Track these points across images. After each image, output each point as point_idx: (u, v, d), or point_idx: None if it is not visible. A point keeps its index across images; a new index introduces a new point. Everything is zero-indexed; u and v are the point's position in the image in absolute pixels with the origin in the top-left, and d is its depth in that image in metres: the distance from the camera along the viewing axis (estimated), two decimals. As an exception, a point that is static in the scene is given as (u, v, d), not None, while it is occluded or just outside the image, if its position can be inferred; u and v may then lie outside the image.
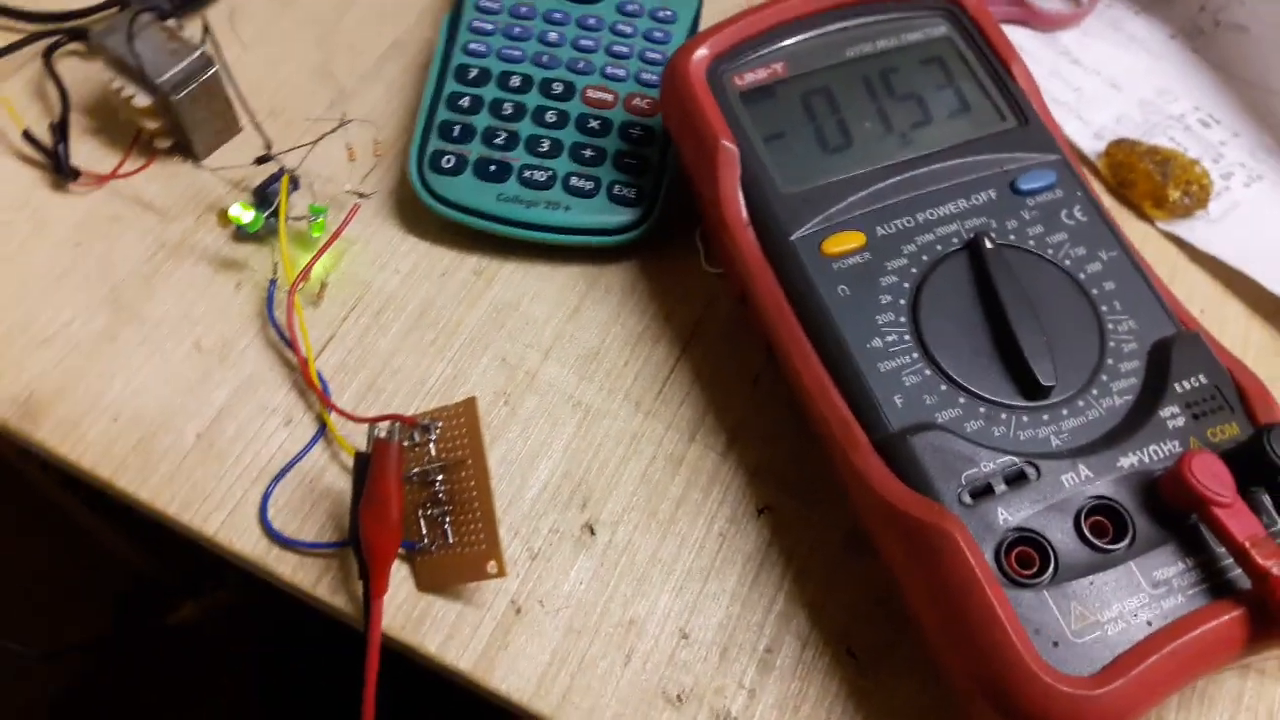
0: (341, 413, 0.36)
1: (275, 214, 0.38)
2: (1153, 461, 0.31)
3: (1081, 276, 0.34)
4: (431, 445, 0.35)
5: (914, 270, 0.34)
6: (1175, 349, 0.32)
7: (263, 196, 0.39)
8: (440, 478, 0.34)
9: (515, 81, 0.41)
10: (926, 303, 0.33)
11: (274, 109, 0.43)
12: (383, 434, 0.34)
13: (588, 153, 0.40)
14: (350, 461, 0.35)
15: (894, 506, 0.30)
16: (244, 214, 0.38)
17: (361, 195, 0.40)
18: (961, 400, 0.32)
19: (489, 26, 0.42)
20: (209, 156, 0.42)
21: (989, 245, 0.33)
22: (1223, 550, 0.29)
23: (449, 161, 0.39)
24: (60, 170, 0.40)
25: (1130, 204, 0.43)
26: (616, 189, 0.40)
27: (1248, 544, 0.28)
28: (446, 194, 0.39)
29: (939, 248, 0.34)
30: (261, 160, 0.39)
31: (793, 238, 0.34)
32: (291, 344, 0.37)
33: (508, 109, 0.41)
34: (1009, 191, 0.35)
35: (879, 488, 0.30)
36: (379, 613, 0.32)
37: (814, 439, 0.34)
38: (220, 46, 0.39)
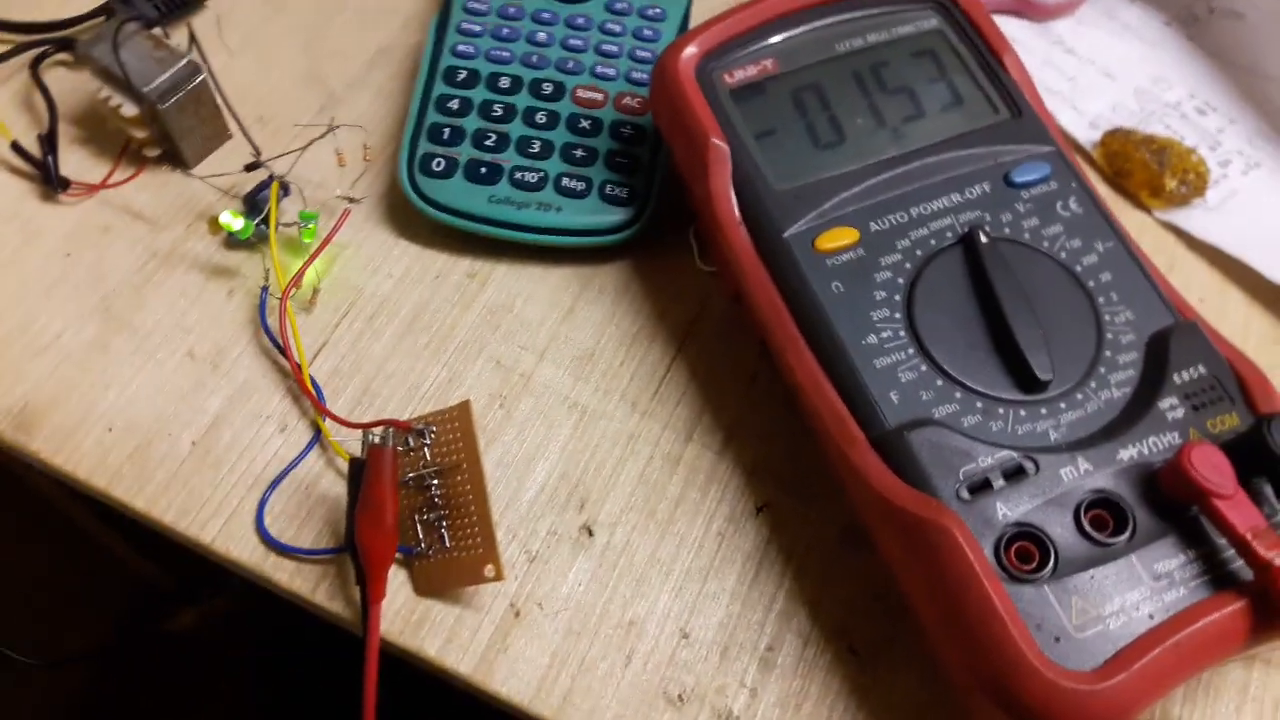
0: (336, 418, 0.36)
1: (266, 221, 0.38)
2: (1152, 454, 0.30)
3: (1078, 268, 0.34)
4: (426, 450, 0.35)
5: (908, 266, 0.33)
6: (1173, 340, 0.32)
7: (253, 203, 0.39)
8: (436, 482, 0.34)
9: (504, 83, 0.41)
10: (921, 298, 0.33)
11: (263, 116, 0.43)
12: (377, 439, 0.34)
13: (579, 153, 0.40)
14: (346, 467, 0.35)
15: (891, 503, 0.30)
16: (234, 221, 0.38)
17: (352, 200, 0.39)
18: (958, 395, 0.31)
19: (477, 28, 0.42)
20: (199, 164, 0.42)
21: (984, 239, 0.33)
22: (1224, 542, 0.29)
23: (439, 164, 0.39)
24: (50, 181, 0.40)
25: (1127, 194, 0.43)
26: (608, 189, 0.39)
27: (1249, 535, 0.28)
28: (437, 197, 0.39)
29: (933, 242, 0.34)
30: (251, 167, 0.39)
31: (786, 235, 0.34)
32: (284, 350, 0.37)
33: (497, 110, 0.40)
34: (1003, 184, 0.35)
35: (876, 484, 0.30)
36: (377, 618, 0.32)
37: (811, 436, 0.34)
38: (207, 54, 0.39)
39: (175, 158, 0.41)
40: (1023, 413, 0.31)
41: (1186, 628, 0.27)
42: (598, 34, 0.42)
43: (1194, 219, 0.42)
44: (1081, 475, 0.30)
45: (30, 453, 0.36)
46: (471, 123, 0.40)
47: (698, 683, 0.33)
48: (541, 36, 0.42)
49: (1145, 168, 0.42)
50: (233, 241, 0.39)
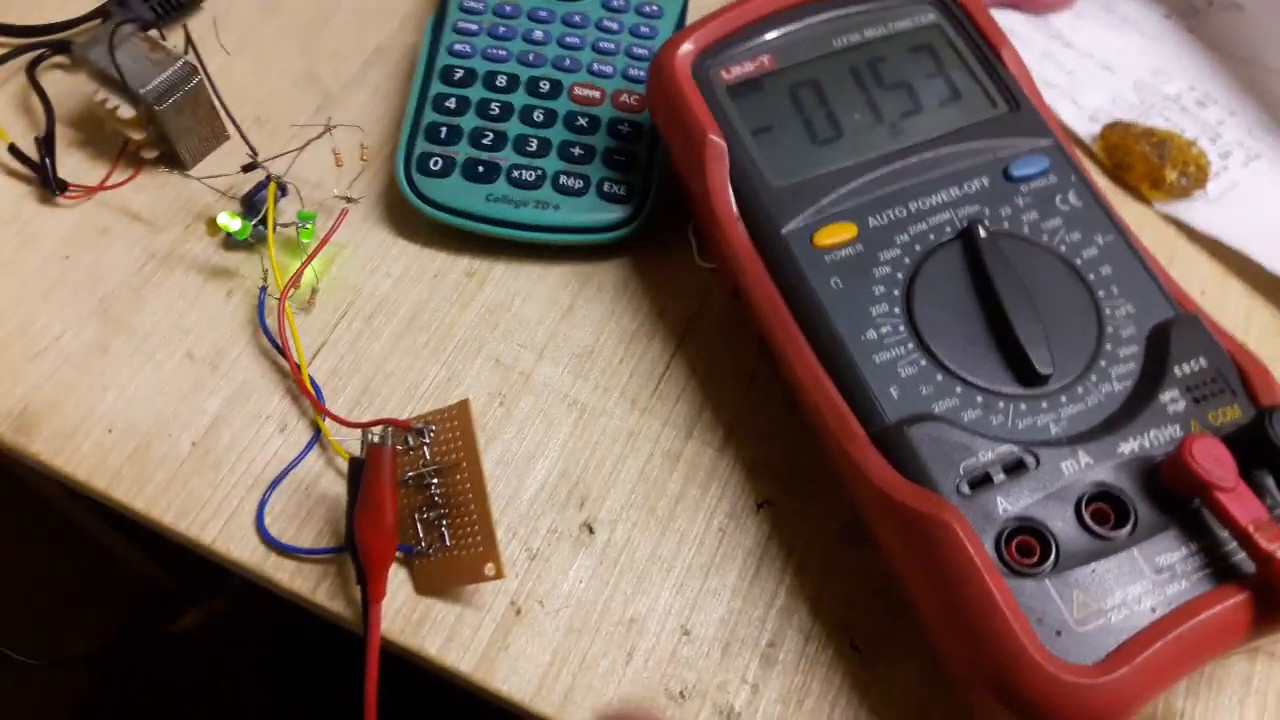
0: (335, 418, 0.36)
1: (264, 221, 0.38)
2: (1153, 447, 0.30)
3: (1077, 262, 0.34)
4: (426, 449, 0.34)
5: (907, 261, 0.33)
6: (1174, 332, 0.32)
7: (250, 204, 0.39)
8: (436, 481, 0.34)
9: (501, 81, 0.41)
10: (921, 293, 0.33)
11: (260, 116, 0.43)
12: (376, 439, 0.33)
13: (576, 150, 0.40)
14: (345, 467, 0.35)
15: (892, 498, 0.30)
16: (232, 222, 0.38)
17: (349, 200, 0.39)
18: (958, 390, 0.31)
19: (473, 27, 0.42)
20: (196, 165, 0.42)
21: (983, 233, 0.33)
22: (1226, 534, 0.29)
23: (436, 163, 0.39)
24: (48, 183, 0.40)
25: (1127, 187, 0.43)
26: (606, 186, 0.39)
27: (1251, 528, 0.27)
28: (435, 196, 0.39)
29: (932, 237, 0.34)
30: (248, 168, 0.39)
31: (784, 231, 0.34)
32: (283, 351, 0.37)
33: (494, 109, 0.40)
34: (1002, 178, 0.35)
35: (876, 480, 0.30)
36: (377, 617, 0.32)
37: (811, 432, 0.34)
38: (204, 55, 0.39)
39: (173, 159, 0.41)
40: (1023, 407, 0.31)
41: (1188, 621, 0.27)
42: (594, 31, 0.42)
43: (1195, 211, 0.42)
44: (1082, 469, 0.30)
45: (30, 455, 0.36)
46: (469, 121, 0.40)
47: (699, 679, 0.33)
48: (538, 35, 0.42)
49: (1145, 160, 0.42)
50: (231, 242, 0.39)
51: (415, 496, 0.34)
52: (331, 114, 0.43)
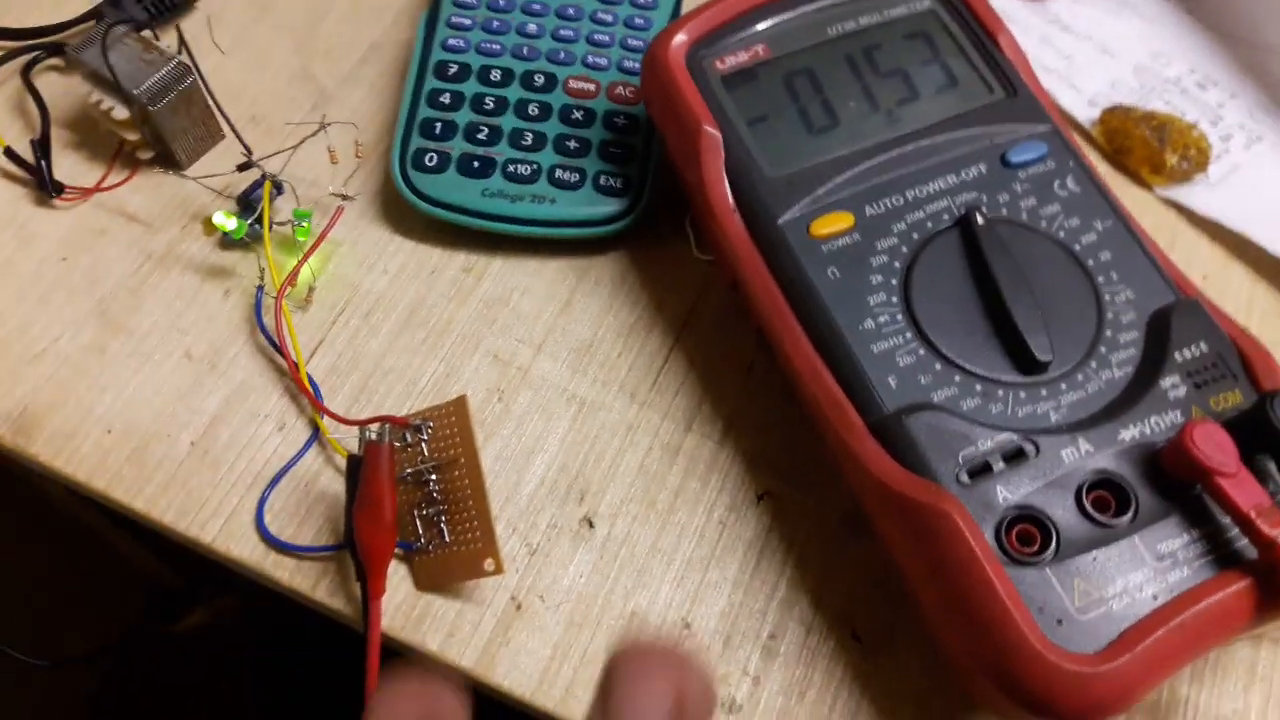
0: (333, 416, 0.36)
1: (259, 220, 0.38)
2: (1154, 433, 0.30)
3: (1076, 248, 0.33)
4: (424, 445, 0.34)
5: (905, 249, 0.33)
6: (1175, 317, 0.32)
7: (246, 203, 0.39)
8: (434, 477, 0.34)
9: (495, 75, 0.41)
10: (918, 282, 0.33)
11: (255, 115, 0.43)
12: (373, 436, 0.33)
13: (572, 144, 0.40)
14: (344, 464, 0.35)
15: (891, 488, 0.29)
16: (227, 221, 0.38)
17: (345, 197, 0.39)
18: (957, 379, 0.31)
19: (467, 21, 0.42)
20: (192, 165, 0.41)
21: (980, 221, 0.33)
22: (1228, 521, 0.28)
23: (432, 159, 0.39)
24: (44, 185, 0.40)
25: (1128, 172, 0.43)
26: (602, 179, 0.39)
27: (1253, 513, 0.27)
28: (431, 192, 0.39)
29: (930, 225, 0.33)
30: (244, 167, 0.39)
31: (780, 221, 0.33)
32: (281, 349, 0.37)
33: (489, 104, 0.40)
34: (999, 165, 0.34)
35: (875, 470, 0.30)
36: (377, 614, 0.32)
37: (810, 423, 0.34)
38: (198, 55, 0.39)
39: (168, 159, 0.41)
40: (1022, 394, 0.31)
41: (1191, 608, 0.27)
42: (589, 24, 0.42)
43: (1196, 195, 0.42)
44: (1083, 456, 0.30)
45: (30, 456, 0.36)
46: (463, 116, 0.40)
47: (701, 673, 0.32)
48: (532, 28, 0.42)
49: (1145, 145, 0.41)
50: (228, 241, 0.39)
51: (414, 493, 0.34)
52: (326, 111, 0.43)
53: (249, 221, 0.38)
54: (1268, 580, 0.27)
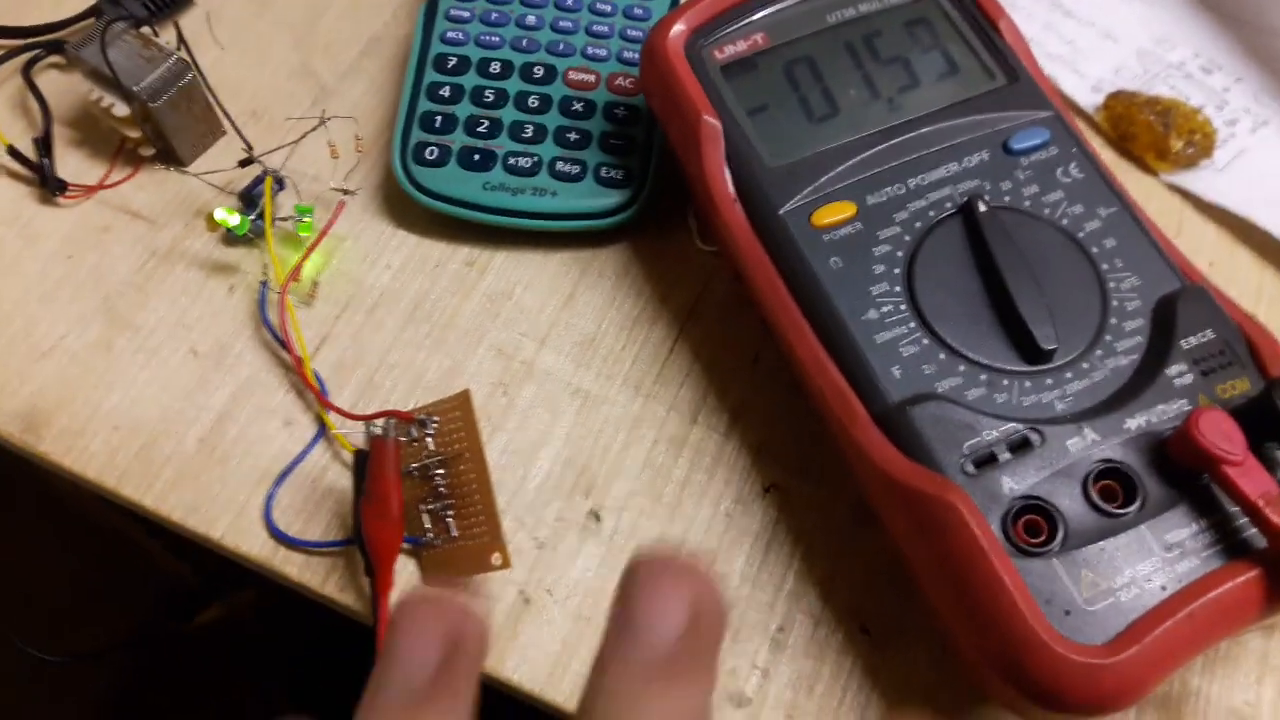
0: (339, 411, 0.36)
1: (262, 216, 0.38)
2: (1161, 421, 0.30)
3: (1080, 235, 0.33)
4: (429, 439, 0.34)
5: (907, 238, 0.33)
6: (1180, 304, 0.32)
7: (249, 199, 0.39)
8: (440, 472, 0.34)
9: (495, 68, 0.41)
10: (922, 270, 0.32)
11: (256, 111, 0.43)
12: (379, 431, 0.33)
13: (572, 136, 0.39)
14: (351, 460, 0.35)
15: (896, 480, 0.29)
16: (230, 217, 0.38)
17: (346, 192, 0.39)
18: (961, 368, 0.31)
19: (466, 14, 0.42)
20: (194, 161, 0.41)
21: (983, 208, 0.33)
22: (1236, 509, 0.28)
23: (432, 153, 0.39)
24: (47, 184, 0.40)
25: (1132, 157, 0.42)
26: (604, 171, 0.39)
27: (1261, 502, 0.27)
28: (432, 186, 0.39)
29: (932, 214, 0.33)
30: (245, 163, 0.38)
31: (781, 211, 0.33)
32: (286, 345, 0.37)
33: (489, 96, 0.40)
34: (1001, 152, 0.34)
35: (880, 461, 0.30)
36: (386, 609, 0.32)
37: (816, 415, 0.33)
38: (198, 51, 0.38)
39: (170, 156, 0.41)
40: (1027, 384, 0.31)
41: (1200, 598, 0.27)
42: (588, 14, 0.42)
43: (1201, 180, 0.41)
44: (1089, 445, 0.29)
45: (39, 454, 0.36)
46: (463, 109, 0.40)
47: (708, 665, 0.32)
48: (531, 20, 0.42)
49: (1150, 130, 0.41)
50: (231, 237, 0.39)
51: (420, 488, 0.34)
52: (327, 106, 0.43)
53: (251, 217, 0.38)
54: (1277, 570, 0.27)
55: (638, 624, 0.16)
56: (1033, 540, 0.28)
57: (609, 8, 0.42)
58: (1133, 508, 0.29)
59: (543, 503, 0.35)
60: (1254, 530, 0.28)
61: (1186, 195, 0.41)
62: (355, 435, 0.36)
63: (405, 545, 0.34)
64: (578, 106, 0.40)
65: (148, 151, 0.41)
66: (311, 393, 0.37)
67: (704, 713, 0.16)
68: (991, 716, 0.32)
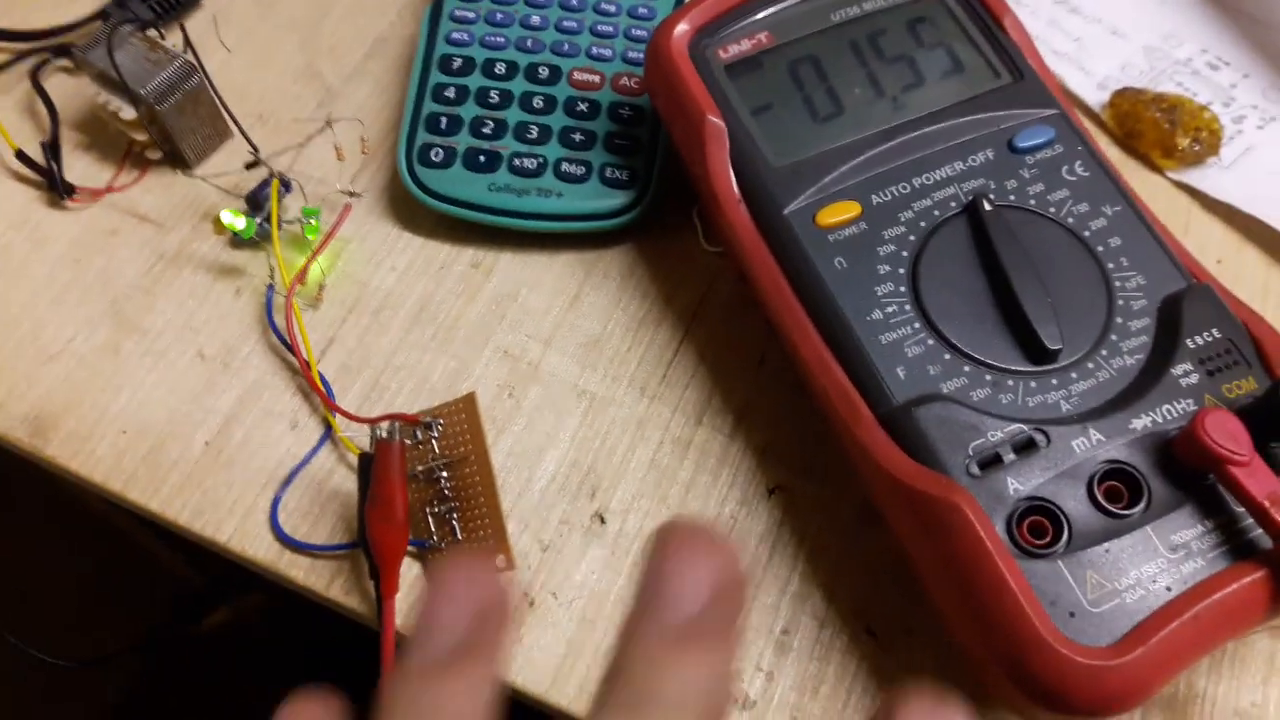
0: (344, 414, 0.36)
1: (268, 219, 0.38)
2: (1166, 422, 0.30)
3: (1085, 234, 0.33)
4: (434, 442, 0.35)
5: (912, 238, 0.33)
6: (1186, 303, 0.31)
7: (255, 202, 0.39)
8: (445, 474, 0.34)
9: (500, 69, 0.41)
10: (926, 270, 0.32)
11: (262, 113, 0.43)
12: (384, 434, 0.33)
13: (577, 136, 0.39)
14: (356, 462, 0.35)
15: (901, 481, 0.29)
16: (236, 220, 0.38)
17: (352, 194, 0.39)
18: (966, 369, 0.31)
19: (470, 15, 0.42)
20: (201, 164, 0.42)
21: (988, 207, 0.33)
22: (1242, 510, 0.28)
23: (438, 155, 0.39)
24: (55, 187, 0.40)
25: (1139, 155, 0.42)
26: (609, 172, 0.39)
27: (1267, 502, 0.27)
28: (437, 187, 0.39)
29: (937, 213, 0.33)
30: (251, 166, 0.39)
31: (786, 211, 0.33)
32: (292, 348, 0.37)
33: (494, 97, 0.40)
34: (1006, 150, 0.34)
35: (885, 463, 0.30)
36: (391, 612, 0.32)
37: (821, 416, 0.33)
38: (205, 54, 0.39)
39: (177, 159, 0.41)
40: (1033, 384, 0.31)
41: (1205, 599, 0.27)
42: (592, 14, 0.42)
43: (1208, 178, 0.41)
44: (1094, 446, 0.29)
45: (46, 458, 0.36)
46: (468, 111, 0.40)
47: (713, 666, 0.32)
48: (536, 20, 0.42)
49: (1156, 127, 0.41)
50: (238, 240, 0.40)
51: (426, 491, 0.34)
52: (332, 108, 0.43)
53: (258, 220, 0.38)
54: (1283, 570, 0.27)
55: (665, 592, 0.17)
56: (1038, 541, 0.28)
57: (613, 8, 0.42)
58: (1138, 508, 0.29)
59: (548, 505, 0.35)
60: (1260, 531, 0.28)
61: (1193, 193, 0.41)
62: (361, 438, 0.36)
63: (410, 548, 0.34)
64: (583, 107, 0.40)
65: (154, 155, 0.41)
66: (317, 395, 0.37)
67: (727, 679, 0.17)
68: (996, 718, 0.32)
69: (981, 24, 0.36)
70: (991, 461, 0.29)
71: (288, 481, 0.35)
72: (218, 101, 0.40)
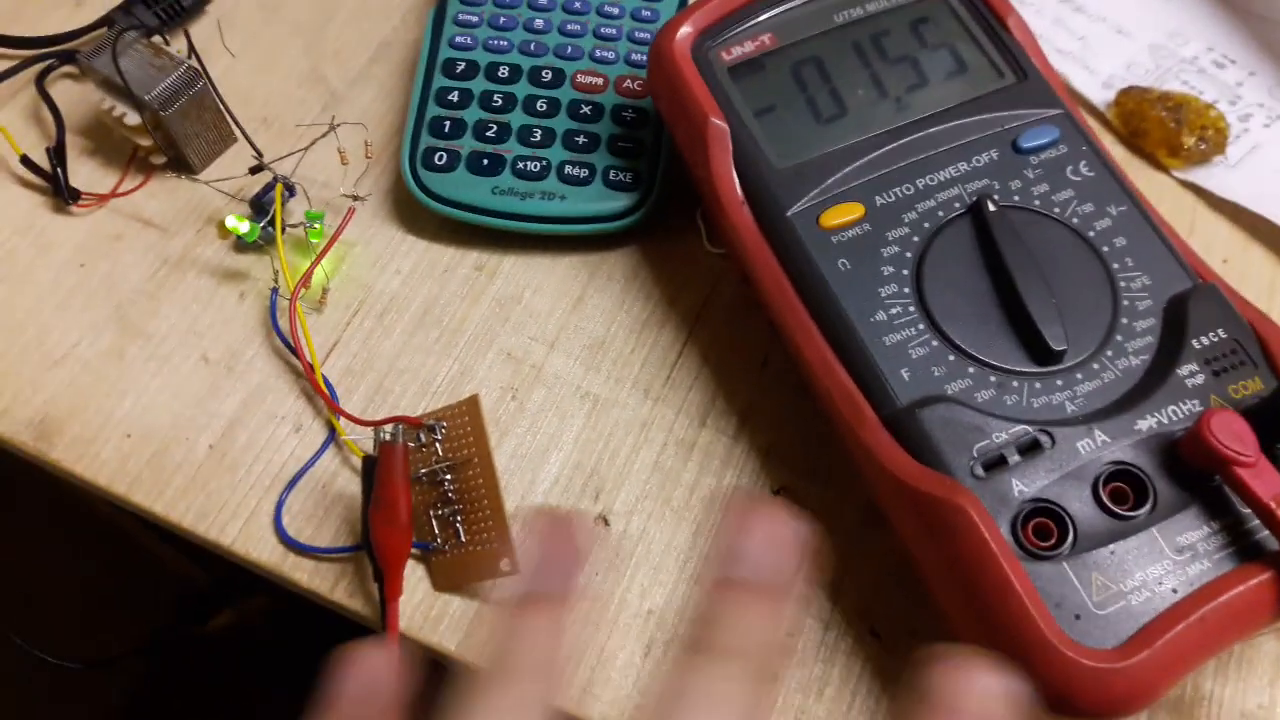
0: (348, 417, 0.36)
1: (272, 223, 0.38)
2: (1172, 422, 0.30)
3: (1090, 234, 0.33)
4: (438, 445, 0.35)
5: (916, 239, 0.33)
6: (1192, 303, 0.31)
7: (259, 206, 0.39)
8: (449, 477, 0.34)
9: (504, 72, 0.41)
10: (930, 271, 0.32)
11: (266, 118, 0.43)
12: (388, 436, 0.33)
13: (581, 139, 0.39)
14: (360, 465, 0.35)
15: (905, 483, 0.29)
16: (240, 225, 0.38)
17: (356, 198, 0.39)
18: (971, 370, 0.31)
19: (474, 18, 0.42)
20: (205, 169, 0.42)
21: (992, 208, 0.32)
22: (1248, 511, 0.28)
23: (441, 158, 0.39)
24: (60, 193, 0.40)
25: (1144, 154, 0.42)
26: (612, 174, 0.39)
27: (1273, 504, 0.27)
28: (441, 191, 0.39)
29: (941, 214, 0.33)
30: (255, 170, 0.39)
31: (789, 213, 0.33)
32: (296, 351, 0.37)
33: (497, 101, 0.40)
34: (1011, 151, 0.34)
35: (889, 464, 0.30)
36: (395, 615, 0.32)
37: (825, 417, 0.33)
38: (209, 59, 0.39)
39: (182, 164, 0.41)
40: (1038, 385, 0.31)
41: (1211, 601, 0.27)
42: (595, 17, 0.42)
43: (1214, 177, 0.41)
44: (1099, 447, 0.29)
45: (51, 462, 0.36)
46: (472, 114, 0.40)
47: (718, 669, 0.32)
48: (539, 23, 0.42)
49: (1162, 126, 0.40)
50: (242, 244, 0.40)
51: (430, 493, 0.34)
52: (336, 112, 0.43)
53: (262, 224, 0.38)
54: (1290, 572, 0.27)
55: (738, 553, 0.20)
56: (1043, 543, 0.28)
57: (617, 10, 0.42)
58: (1143, 510, 0.28)
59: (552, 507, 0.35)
60: (1266, 532, 0.28)
61: (1199, 192, 0.41)
62: (364, 441, 0.36)
63: (414, 551, 0.34)
64: (586, 110, 0.40)
65: (159, 160, 0.41)
66: (321, 399, 0.37)
67: (782, 631, 0.20)
68: None
69: (985, 24, 0.36)
70: (996, 463, 0.29)
71: (292, 484, 0.36)
72: (222, 106, 0.41)
